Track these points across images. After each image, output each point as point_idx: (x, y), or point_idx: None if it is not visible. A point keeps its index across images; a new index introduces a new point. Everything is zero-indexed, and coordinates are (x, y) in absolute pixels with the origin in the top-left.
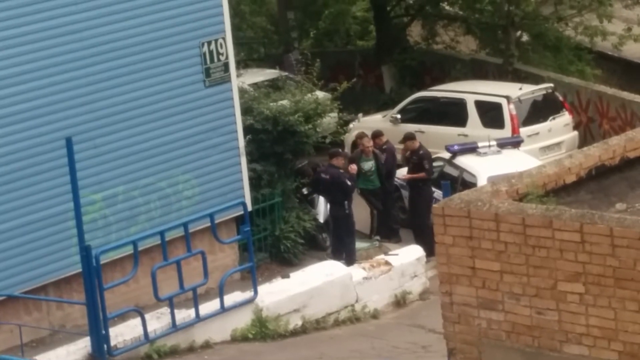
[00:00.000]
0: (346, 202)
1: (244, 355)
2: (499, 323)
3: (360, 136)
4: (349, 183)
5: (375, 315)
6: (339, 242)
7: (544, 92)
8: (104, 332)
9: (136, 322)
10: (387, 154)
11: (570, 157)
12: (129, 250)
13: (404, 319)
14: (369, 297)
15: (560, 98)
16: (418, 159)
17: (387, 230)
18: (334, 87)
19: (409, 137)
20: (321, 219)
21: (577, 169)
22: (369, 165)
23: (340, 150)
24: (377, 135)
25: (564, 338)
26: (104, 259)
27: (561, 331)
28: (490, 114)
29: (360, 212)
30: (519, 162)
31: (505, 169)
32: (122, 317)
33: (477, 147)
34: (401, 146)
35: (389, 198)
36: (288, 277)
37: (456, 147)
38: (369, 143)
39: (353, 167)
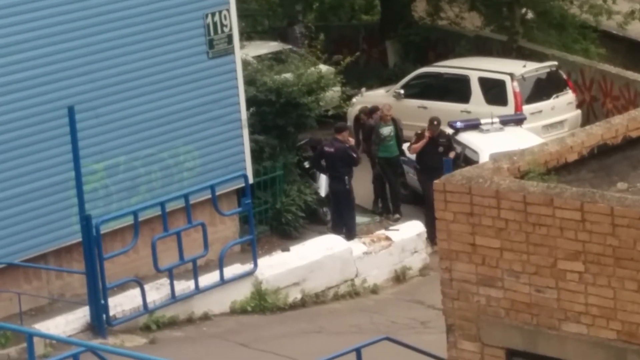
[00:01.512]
0: (347, 177)
1: (242, 327)
2: (498, 300)
3: (363, 111)
4: (354, 155)
5: (374, 290)
6: (339, 217)
7: (548, 70)
8: (103, 301)
9: (135, 292)
10: None
11: (573, 135)
12: (129, 220)
13: (403, 294)
14: (368, 272)
15: (564, 76)
16: (447, 142)
17: (388, 205)
18: (337, 61)
19: (435, 121)
20: (322, 193)
21: (579, 148)
22: (387, 130)
23: (346, 124)
24: (373, 111)
25: (563, 316)
26: (104, 229)
27: (560, 309)
28: (494, 91)
29: (362, 186)
30: (522, 139)
31: (508, 146)
32: (122, 287)
33: (480, 124)
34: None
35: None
36: (288, 250)
37: (459, 124)
38: (388, 110)
39: (350, 140)
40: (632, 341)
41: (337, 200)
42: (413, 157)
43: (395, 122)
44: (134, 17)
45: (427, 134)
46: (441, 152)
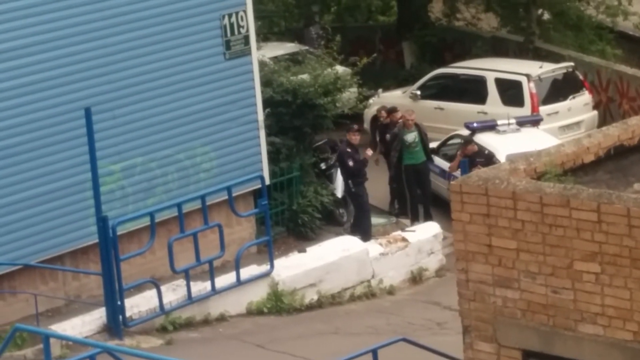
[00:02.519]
0: (350, 181)
1: (259, 328)
2: (514, 301)
3: (383, 108)
4: (350, 164)
5: (391, 291)
6: (354, 219)
7: (565, 70)
8: (119, 302)
9: (152, 293)
10: None
11: (589, 136)
12: (146, 221)
13: (419, 295)
14: (385, 273)
15: (581, 77)
16: (485, 160)
17: (405, 207)
18: (354, 62)
19: (469, 141)
20: (339, 194)
21: (595, 149)
22: (412, 136)
23: (355, 126)
24: (392, 110)
25: (579, 317)
26: (120, 230)
27: (576, 310)
28: (510, 92)
29: (379, 187)
30: (538, 140)
31: (524, 147)
32: (138, 288)
33: (497, 125)
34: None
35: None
36: (305, 251)
37: (475, 125)
38: (410, 116)
39: (368, 153)
40: None
41: (351, 201)
42: (441, 163)
43: (419, 127)
44: (151, 18)
45: (459, 154)
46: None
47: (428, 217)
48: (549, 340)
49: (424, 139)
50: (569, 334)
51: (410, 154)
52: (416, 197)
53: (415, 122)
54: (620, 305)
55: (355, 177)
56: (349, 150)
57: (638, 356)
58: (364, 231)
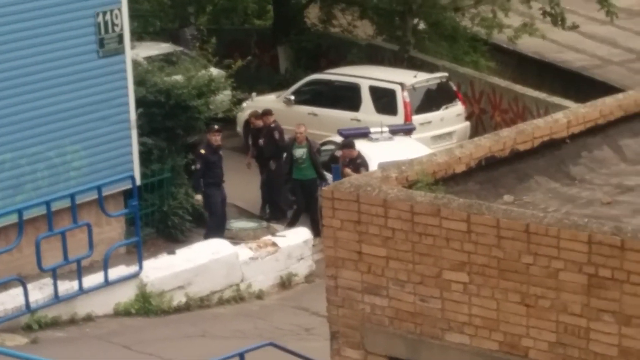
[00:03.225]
0: (201, 181)
1: (126, 329)
2: (382, 308)
3: (254, 115)
4: (197, 166)
5: (259, 295)
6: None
7: (438, 81)
8: None
9: (18, 291)
10: (277, 131)
11: (461, 146)
12: (13, 218)
13: (288, 300)
14: (254, 277)
15: (454, 88)
16: (354, 168)
17: (276, 211)
18: (228, 65)
19: (347, 145)
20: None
21: (467, 159)
22: (300, 152)
23: (215, 126)
24: (265, 113)
25: (446, 326)
26: None
27: (444, 319)
28: (384, 100)
29: (250, 191)
30: (410, 149)
31: (397, 156)
32: (4, 286)
33: (370, 133)
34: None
35: (278, 178)
36: (174, 253)
37: (349, 132)
38: (300, 129)
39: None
40: (513, 352)
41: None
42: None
43: (309, 144)
44: (23, 12)
45: (339, 155)
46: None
47: (317, 232)
48: (416, 348)
49: (312, 156)
50: (436, 342)
51: (298, 169)
52: (301, 206)
53: (307, 138)
54: (487, 315)
55: (206, 177)
56: (202, 151)
57: None
58: (212, 232)
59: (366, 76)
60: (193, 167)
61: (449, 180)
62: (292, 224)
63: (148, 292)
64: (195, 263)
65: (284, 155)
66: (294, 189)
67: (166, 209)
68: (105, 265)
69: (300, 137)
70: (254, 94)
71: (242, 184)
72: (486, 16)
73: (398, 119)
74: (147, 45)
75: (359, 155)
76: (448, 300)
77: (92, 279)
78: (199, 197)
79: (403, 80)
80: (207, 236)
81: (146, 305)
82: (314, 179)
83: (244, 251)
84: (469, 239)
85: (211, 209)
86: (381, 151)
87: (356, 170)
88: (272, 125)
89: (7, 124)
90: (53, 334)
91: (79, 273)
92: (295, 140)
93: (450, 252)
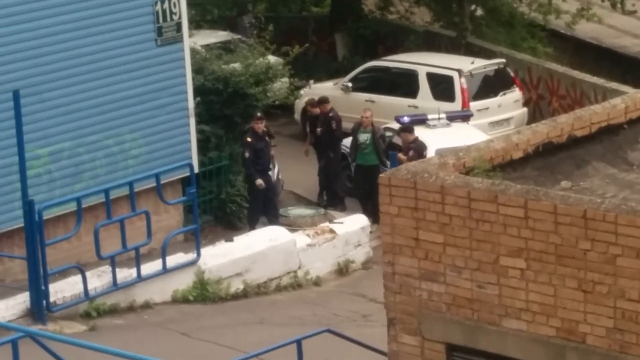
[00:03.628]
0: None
1: (184, 316)
2: (439, 295)
3: (310, 102)
4: (245, 154)
5: (317, 282)
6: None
7: (496, 67)
8: (43, 287)
9: (77, 279)
10: (335, 121)
11: (519, 133)
12: (72, 207)
13: (345, 287)
14: (311, 264)
15: (512, 74)
16: (415, 152)
17: (334, 199)
18: (286, 52)
19: (405, 129)
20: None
21: (524, 145)
22: (363, 137)
23: (259, 114)
24: (322, 101)
25: (504, 312)
26: (47, 215)
27: (501, 305)
28: (441, 87)
29: (308, 178)
30: (468, 135)
31: (454, 142)
32: (63, 273)
33: (427, 119)
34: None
35: (335, 166)
36: (232, 240)
37: (406, 119)
38: (367, 114)
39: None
40: (571, 338)
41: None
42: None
43: (374, 129)
44: (82, 1)
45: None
46: (411, 156)
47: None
48: (473, 334)
49: (375, 142)
50: (493, 328)
51: (360, 154)
52: (364, 193)
53: (372, 123)
54: (544, 301)
55: (254, 165)
56: (249, 139)
57: (560, 352)
58: (249, 219)
59: (423, 63)
60: (244, 155)
61: (506, 166)
62: (365, 210)
63: (206, 279)
64: (252, 250)
65: (342, 143)
66: (356, 175)
67: (224, 196)
68: (163, 253)
69: (366, 121)
70: (311, 81)
71: (299, 171)
72: (543, 2)
73: (455, 106)
74: (205, 33)
75: (415, 140)
76: (505, 286)
77: (150, 267)
78: (260, 181)
79: (460, 66)
80: (250, 222)
81: (204, 293)
82: (375, 165)
83: (301, 238)
84: (526, 225)
85: (253, 195)
86: (438, 138)
87: (419, 155)
88: (330, 114)
89: (66, 113)
90: (111, 321)
91: (137, 260)
92: (360, 125)
93: (508, 239)
